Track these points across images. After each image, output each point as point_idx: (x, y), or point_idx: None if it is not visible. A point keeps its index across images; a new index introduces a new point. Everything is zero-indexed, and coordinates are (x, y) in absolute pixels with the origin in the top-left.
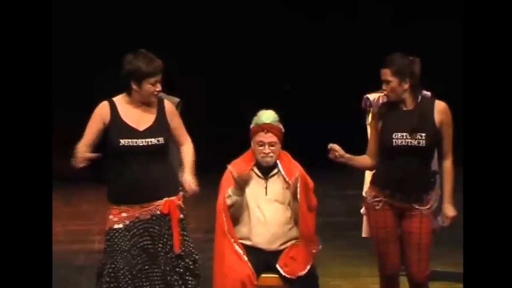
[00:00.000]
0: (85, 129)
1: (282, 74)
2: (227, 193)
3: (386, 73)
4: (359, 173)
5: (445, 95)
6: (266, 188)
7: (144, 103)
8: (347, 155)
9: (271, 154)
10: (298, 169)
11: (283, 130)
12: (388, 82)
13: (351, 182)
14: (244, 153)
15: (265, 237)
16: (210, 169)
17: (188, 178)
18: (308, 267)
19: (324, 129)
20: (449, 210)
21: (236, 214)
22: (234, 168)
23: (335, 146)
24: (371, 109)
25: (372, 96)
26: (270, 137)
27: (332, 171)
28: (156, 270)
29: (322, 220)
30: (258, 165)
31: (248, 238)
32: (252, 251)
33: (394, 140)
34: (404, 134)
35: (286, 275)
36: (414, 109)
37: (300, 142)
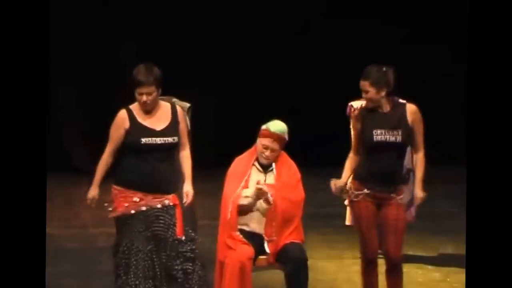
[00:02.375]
0: (108, 138)
1: (283, 77)
2: (244, 193)
3: (365, 85)
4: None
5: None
6: (265, 180)
7: (153, 109)
8: (343, 180)
9: (270, 158)
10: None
11: (286, 139)
12: (367, 92)
13: (339, 177)
14: (249, 149)
15: (260, 223)
16: (218, 164)
17: (189, 190)
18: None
19: (317, 131)
20: (419, 192)
21: (244, 209)
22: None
23: (333, 183)
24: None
25: (356, 104)
26: (274, 145)
27: (323, 166)
28: (162, 253)
29: (313, 210)
30: (259, 160)
31: (246, 224)
32: (250, 236)
33: (374, 136)
34: (383, 130)
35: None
36: (390, 111)
37: (297, 141)
